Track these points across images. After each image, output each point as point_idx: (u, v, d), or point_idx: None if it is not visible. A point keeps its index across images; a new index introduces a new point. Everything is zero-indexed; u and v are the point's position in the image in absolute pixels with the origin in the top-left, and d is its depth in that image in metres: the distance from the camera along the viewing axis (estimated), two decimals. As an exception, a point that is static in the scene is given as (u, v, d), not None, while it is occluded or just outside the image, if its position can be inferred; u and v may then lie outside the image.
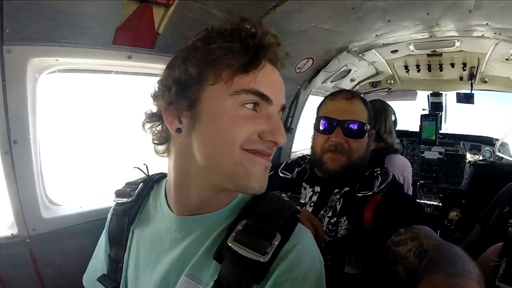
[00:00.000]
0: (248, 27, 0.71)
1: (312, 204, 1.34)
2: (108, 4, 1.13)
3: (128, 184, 0.94)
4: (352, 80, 3.29)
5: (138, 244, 0.84)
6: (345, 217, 1.24)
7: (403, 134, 3.61)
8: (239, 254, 0.65)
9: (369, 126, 1.35)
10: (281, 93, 0.74)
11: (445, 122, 3.49)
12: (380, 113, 2.29)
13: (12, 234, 1.24)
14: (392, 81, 3.42)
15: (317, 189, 1.37)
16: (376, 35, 2.24)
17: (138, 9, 1.20)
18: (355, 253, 1.19)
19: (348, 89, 3.08)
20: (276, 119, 0.71)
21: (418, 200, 3.37)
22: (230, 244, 0.67)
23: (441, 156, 3.43)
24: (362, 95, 1.46)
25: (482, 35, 2.08)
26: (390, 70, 3.19)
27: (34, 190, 1.25)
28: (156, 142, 0.79)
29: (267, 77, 0.70)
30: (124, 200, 0.89)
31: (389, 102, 2.49)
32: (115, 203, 0.92)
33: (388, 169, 1.37)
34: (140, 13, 1.22)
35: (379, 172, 1.32)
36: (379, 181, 1.27)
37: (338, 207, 1.28)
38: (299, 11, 1.69)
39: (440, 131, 3.31)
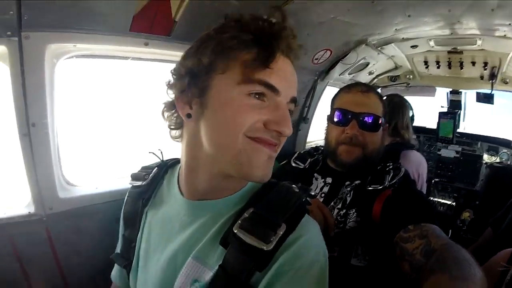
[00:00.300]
0: (266, 16, 0.70)
1: (323, 195, 1.34)
2: (125, -8, 1.13)
3: (143, 168, 0.98)
4: (370, 73, 3.23)
5: (150, 226, 0.87)
6: (354, 210, 1.24)
7: (421, 130, 3.56)
8: (244, 241, 0.66)
9: (384, 120, 1.34)
10: (291, 85, 0.73)
11: (463, 121, 3.41)
12: (398, 108, 2.27)
13: (29, 212, 1.27)
14: (411, 76, 3.35)
15: (329, 180, 1.37)
16: (396, 29, 2.18)
17: (155, -3, 1.20)
18: (362, 246, 1.19)
19: (363, 82, 3.05)
20: (283, 109, 0.71)
21: (431, 198, 3.33)
22: (235, 231, 0.68)
23: (457, 155, 3.35)
24: (380, 89, 1.45)
25: (505, 35, 2.02)
26: (409, 65, 3.12)
27: (51, 171, 1.28)
28: (172, 127, 0.82)
29: (277, 68, 0.69)
30: (139, 183, 0.92)
31: (407, 97, 2.47)
32: (131, 186, 0.95)
33: (401, 164, 1.36)
34: (157, 0, 1.22)
35: (391, 166, 1.31)
36: (391, 175, 1.26)
37: (348, 199, 1.28)
38: (318, 2, 1.66)
39: (458, 130, 3.24)
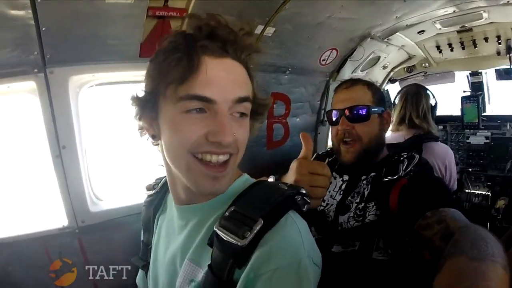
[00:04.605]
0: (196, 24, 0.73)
1: (341, 192, 1.44)
2: (130, 25, 1.37)
3: (157, 179, 1.12)
4: (384, 67, 3.23)
5: (160, 230, 1.01)
6: (373, 203, 1.31)
7: (447, 119, 3.45)
8: (222, 238, 0.69)
9: (376, 108, 1.43)
10: (230, 86, 0.72)
11: (489, 103, 3.32)
12: (411, 97, 2.24)
13: (63, 225, 1.51)
14: (427, 64, 3.30)
15: (346, 177, 1.47)
16: (397, 17, 2.22)
17: (157, 24, 1.44)
18: (384, 239, 1.25)
19: (375, 77, 3.12)
20: (221, 117, 0.70)
21: (465, 191, 3.20)
22: (216, 229, 0.71)
23: (487, 141, 3.22)
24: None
25: (508, 1, 1.99)
26: (422, 53, 3.11)
27: (82, 188, 1.52)
28: (153, 143, 0.89)
29: (208, 74, 0.70)
30: (151, 192, 1.07)
31: (427, 87, 2.42)
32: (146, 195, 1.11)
33: (416, 152, 1.40)
34: (160, 27, 1.45)
35: (405, 156, 1.37)
36: (405, 164, 1.32)
37: (366, 192, 1.35)
38: (309, 4, 1.78)
39: (484, 113, 3.16)
